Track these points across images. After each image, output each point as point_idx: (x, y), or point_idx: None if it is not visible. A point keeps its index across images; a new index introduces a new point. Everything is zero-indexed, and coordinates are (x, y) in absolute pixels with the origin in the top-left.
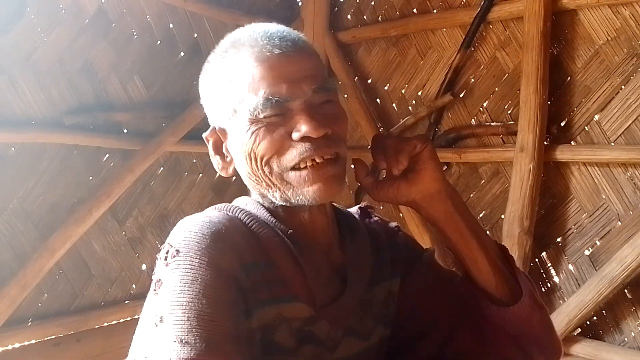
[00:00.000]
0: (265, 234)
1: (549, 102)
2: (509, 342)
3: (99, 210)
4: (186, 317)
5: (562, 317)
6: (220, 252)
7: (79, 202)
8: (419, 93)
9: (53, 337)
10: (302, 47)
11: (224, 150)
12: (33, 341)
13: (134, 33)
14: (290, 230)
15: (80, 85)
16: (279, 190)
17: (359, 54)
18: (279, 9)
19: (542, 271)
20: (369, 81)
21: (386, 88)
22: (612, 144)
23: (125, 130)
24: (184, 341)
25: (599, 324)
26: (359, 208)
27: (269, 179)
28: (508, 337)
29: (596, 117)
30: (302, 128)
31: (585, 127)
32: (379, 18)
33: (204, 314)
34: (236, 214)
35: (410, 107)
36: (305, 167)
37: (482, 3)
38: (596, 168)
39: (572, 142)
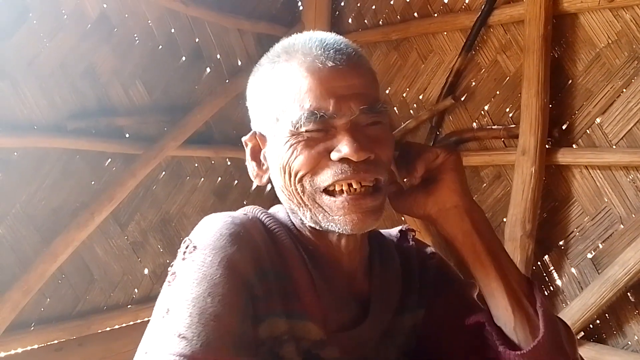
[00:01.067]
0: (286, 245)
1: (550, 105)
2: None
3: (101, 214)
4: (189, 312)
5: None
6: (235, 253)
7: (81, 207)
8: (420, 97)
9: (56, 341)
10: (357, 63)
11: (261, 157)
12: (36, 346)
13: (136, 38)
14: (311, 247)
15: (82, 89)
16: (310, 211)
17: None
18: (281, 13)
19: (544, 274)
20: None
21: (387, 92)
22: (614, 147)
23: (127, 135)
24: (182, 336)
25: (602, 328)
26: (400, 231)
27: (301, 198)
28: None
29: (598, 120)
30: (343, 149)
31: (587, 130)
32: (380, 22)
33: (207, 312)
34: (263, 219)
35: (411, 111)
36: (342, 193)
37: (482, 7)
38: (598, 171)
39: (574, 145)
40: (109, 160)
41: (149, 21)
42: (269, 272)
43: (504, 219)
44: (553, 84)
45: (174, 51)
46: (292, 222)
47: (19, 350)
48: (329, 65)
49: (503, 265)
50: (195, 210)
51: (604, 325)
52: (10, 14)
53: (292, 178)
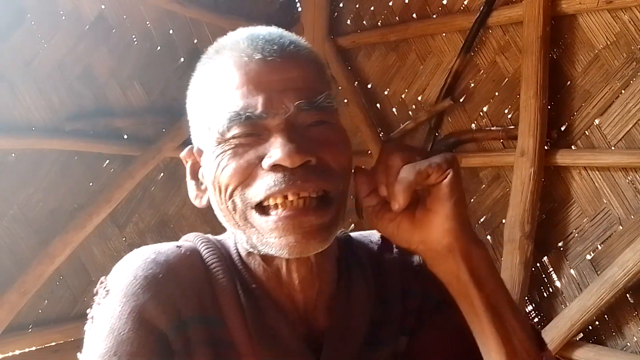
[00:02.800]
0: (222, 285)
1: (549, 107)
2: None
3: (99, 216)
4: None
5: (564, 322)
6: (147, 302)
7: (79, 208)
8: (419, 98)
9: (53, 343)
10: (293, 53)
11: (199, 175)
12: (33, 348)
13: (134, 39)
14: (254, 285)
15: (80, 91)
16: (244, 232)
17: (359, 59)
18: (279, 14)
19: (543, 276)
20: (369, 86)
21: (386, 93)
22: (613, 148)
23: (125, 136)
24: None
25: (601, 329)
26: (382, 237)
27: (233, 217)
28: None
29: (596, 121)
30: (274, 153)
31: (586, 132)
32: (379, 23)
33: None
34: (203, 252)
35: (410, 112)
36: (276, 208)
37: (481, 8)
38: (597, 172)
39: (573, 147)
40: (107, 161)
41: (147, 22)
42: (194, 319)
43: (503, 220)
44: (552, 85)
45: (172, 52)
46: (237, 250)
47: (17, 352)
48: (257, 57)
49: (505, 323)
50: (193, 211)
51: (603, 327)
52: (8, 16)
53: (223, 194)
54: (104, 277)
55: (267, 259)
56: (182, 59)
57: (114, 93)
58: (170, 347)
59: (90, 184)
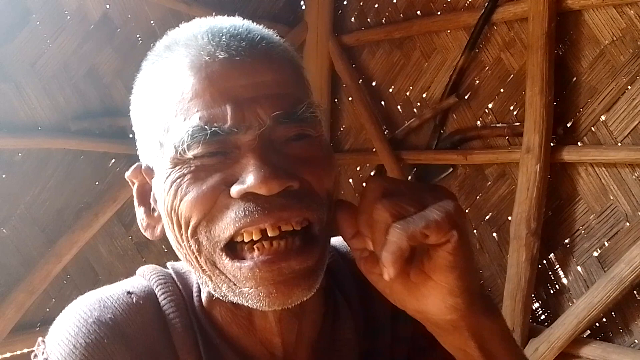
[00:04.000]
0: (180, 338)
1: (554, 103)
2: None
3: (105, 215)
4: None
5: (571, 319)
6: None
7: (85, 207)
8: (424, 95)
9: None
10: (265, 51)
11: (151, 199)
12: None
13: (139, 38)
14: (218, 340)
15: (85, 90)
16: (210, 279)
17: (363, 56)
18: (283, 13)
19: (550, 273)
20: (373, 84)
21: (390, 90)
22: (619, 144)
23: (130, 135)
24: None
25: (608, 326)
26: None
27: (197, 260)
28: None
29: (602, 117)
30: (248, 178)
31: (592, 128)
32: (383, 21)
33: None
34: (157, 293)
35: (415, 109)
36: (251, 251)
37: (486, 4)
38: (603, 169)
39: (579, 143)
40: (113, 160)
41: (152, 22)
42: None
43: (509, 218)
44: (557, 82)
45: None
46: (199, 291)
47: (25, 350)
48: (220, 56)
49: None
50: None
51: (610, 324)
52: (13, 16)
53: (183, 231)
54: (41, 338)
55: (233, 307)
56: None
57: (119, 92)
58: None
59: (96, 183)
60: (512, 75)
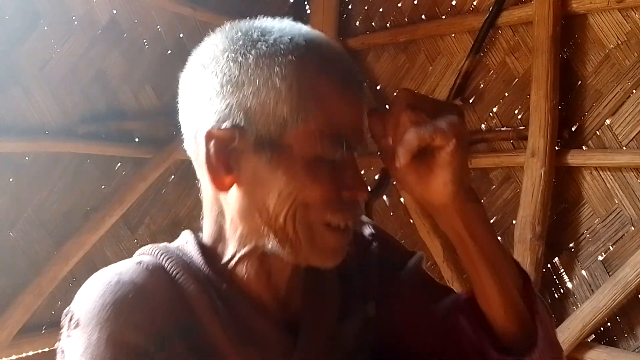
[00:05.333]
0: (193, 294)
1: (559, 107)
2: None
3: (112, 218)
4: None
5: (576, 324)
6: (124, 325)
7: (92, 210)
8: None
9: None
10: (364, 94)
11: (231, 161)
12: (47, 349)
13: (145, 43)
14: (225, 286)
15: (93, 94)
16: (290, 242)
17: (368, 60)
18: (289, 17)
19: (554, 277)
20: (378, 87)
21: (395, 94)
22: (624, 148)
23: (137, 139)
24: None
25: (613, 330)
26: None
27: (293, 228)
28: None
29: (608, 121)
30: (354, 185)
31: (597, 132)
32: (388, 24)
33: None
34: (163, 262)
35: None
36: (333, 231)
37: (491, 8)
38: (608, 172)
39: (584, 147)
40: (119, 164)
41: (158, 26)
42: (171, 332)
43: (514, 221)
44: (562, 85)
45: (182, 56)
46: (204, 253)
47: (31, 353)
48: (350, 90)
49: (497, 267)
50: None
51: (615, 328)
52: (22, 21)
53: (291, 207)
54: (68, 308)
55: (263, 260)
56: None
57: (126, 96)
58: None
59: (103, 186)
60: (517, 79)
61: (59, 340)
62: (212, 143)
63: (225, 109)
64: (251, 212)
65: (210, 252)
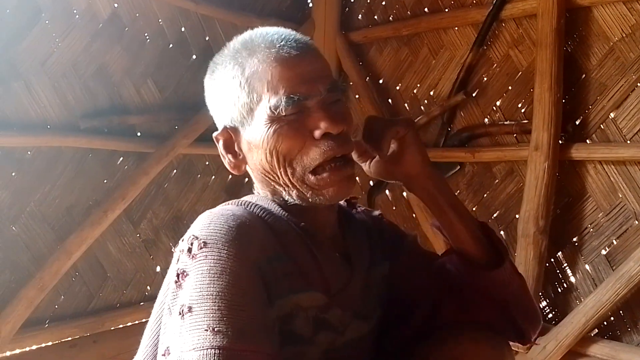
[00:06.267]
0: (281, 228)
1: (563, 100)
2: (492, 306)
3: (114, 212)
4: (217, 306)
5: (579, 318)
6: (247, 244)
7: (94, 205)
8: (431, 92)
9: (70, 338)
10: (314, 50)
11: (235, 149)
12: (50, 343)
13: (147, 37)
14: (303, 224)
15: (94, 89)
16: (297, 190)
17: (371, 53)
18: (290, 10)
19: (558, 271)
20: (381, 81)
21: (398, 88)
22: (629, 142)
23: (139, 133)
24: (216, 330)
25: (616, 325)
26: (345, 201)
27: (289, 179)
28: (491, 301)
29: (612, 114)
30: (323, 125)
31: (601, 125)
32: (390, 18)
33: (235, 304)
34: (252, 209)
35: (422, 107)
36: (324, 170)
37: (494, 1)
38: (612, 166)
39: (588, 141)
40: (121, 158)
41: (160, 20)
42: (275, 257)
43: (517, 215)
44: (566, 79)
45: (184, 50)
46: (276, 203)
47: (34, 347)
48: (294, 53)
49: (462, 214)
50: (206, 207)
51: (619, 322)
52: (23, 15)
53: (281, 161)
54: (185, 237)
55: (302, 208)
56: (194, 57)
57: (128, 91)
58: (265, 279)
59: (105, 181)
60: (520, 72)
61: (177, 264)
62: (219, 144)
63: (219, 111)
64: (263, 178)
65: (275, 202)
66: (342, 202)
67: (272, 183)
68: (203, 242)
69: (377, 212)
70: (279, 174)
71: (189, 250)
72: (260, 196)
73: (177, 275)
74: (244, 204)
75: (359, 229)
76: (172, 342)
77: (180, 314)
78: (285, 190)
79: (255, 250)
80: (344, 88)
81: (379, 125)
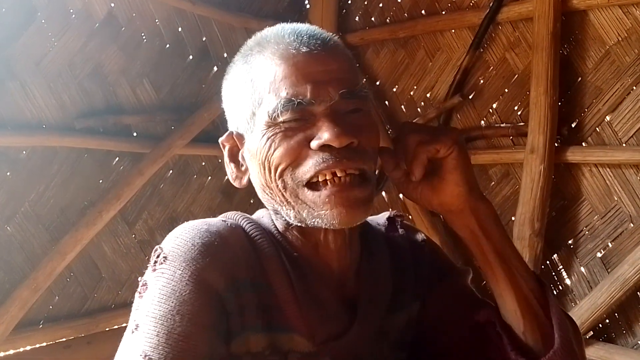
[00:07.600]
0: (267, 254)
1: (559, 103)
2: None
3: (109, 213)
4: (157, 331)
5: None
6: (207, 266)
7: (89, 205)
8: (428, 95)
9: (64, 339)
10: (333, 47)
11: (239, 158)
12: (44, 344)
13: (143, 37)
14: (295, 254)
15: (90, 89)
16: (293, 209)
17: (367, 55)
18: (288, 11)
19: (553, 274)
20: (378, 83)
21: (395, 90)
22: (624, 145)
23: (134, 134)
24: (147, 357)
25: (611, 327)
26: (387, 218)
27: (283, 195)
28: None
29: (607, 118)
30: (324, 135)
31: (597, 128)
32: (387, 20)
33: (175, 332)
34: (244, 226)
35: (419, 109)
36: (325, 185)
37: (491, 4)
38: (608, 169)
39: (583, 143)
40: (117, 159)
41: (156, 20)
42: (245, 284)
43: (513, 218)
44: (562, 82)
45: (181, 50)
46: (275, 226)
47: (28, 347)
48: (303, 50)
49: (512, 266)
50: (202, 208)
51: (614, 325)
52: (19, 15)
53: (272, 173)
54: (157, 246)
55: (305, 232)
56: (190, 57)
57: (124, 91)
58: (226, 309)
59: (100, 181)
60: (516, 75)
61: (143, 274)
62: (225, 151)
63: (229, 115)
64: (263, 195)
65: (276, 222)
66: (383, 220)
67: (271, 200)
68: (164, 256)
69: (420, 237)
70: (272, 187)
71: (155, 262)
72: (267, 213)
73: (141, 285)
74: (238, 219)
75: (384, 263)
76: (117, 356)
77: (130, 329)
78: (282, 208)
79: (219, 274)
80: (365, 95)
81: (414, 138)
